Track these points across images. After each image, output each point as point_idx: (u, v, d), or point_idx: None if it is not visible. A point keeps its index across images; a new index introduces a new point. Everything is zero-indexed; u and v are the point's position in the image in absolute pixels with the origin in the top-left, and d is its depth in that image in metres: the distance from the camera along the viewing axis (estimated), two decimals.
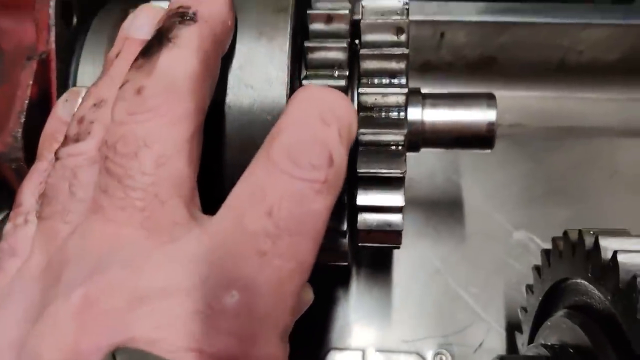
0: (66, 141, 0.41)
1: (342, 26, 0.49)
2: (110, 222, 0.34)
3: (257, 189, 0.35)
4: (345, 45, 0.48)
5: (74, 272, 0.33)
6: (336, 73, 0.49)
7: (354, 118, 0.41)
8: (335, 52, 0.48)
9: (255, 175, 0.36)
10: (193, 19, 0.39)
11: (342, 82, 0.47)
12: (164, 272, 0.32)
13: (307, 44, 0.48)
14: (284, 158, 0.35)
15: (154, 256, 0.32)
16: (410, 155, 0.79)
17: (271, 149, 0.36)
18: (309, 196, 0.34)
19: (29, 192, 0.43)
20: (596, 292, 0.47)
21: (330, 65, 0.49)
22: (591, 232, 0.48)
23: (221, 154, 0.46)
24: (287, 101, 0.45)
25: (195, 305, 0.30)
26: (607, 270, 0.44)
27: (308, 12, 0.49)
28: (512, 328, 0.69)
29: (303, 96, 0.39)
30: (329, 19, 0.49)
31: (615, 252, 0.43)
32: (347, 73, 0.48)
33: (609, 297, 0.45)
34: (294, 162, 0.35)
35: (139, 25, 0.45)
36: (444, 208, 0.78)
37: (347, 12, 0.49)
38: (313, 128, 0.37)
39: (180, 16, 0.39)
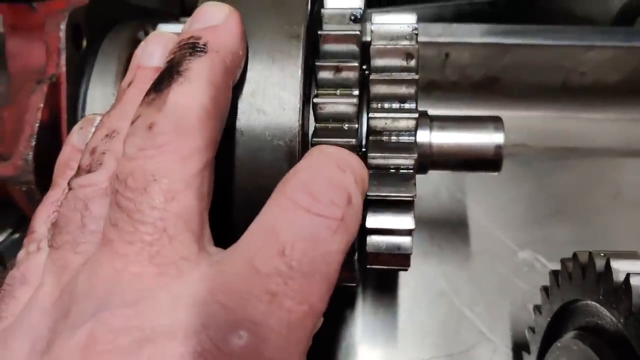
0: (79, 171, 0.41)
1: (351, 76, 0.49)
2: (119, 256, 0.34)
3: (271, 227, 0.35)
4: (355, 100, 0.48)
5: (81, 308, 0.33)
6: (346, 126, 0.49)
7: (366, 173, 0.42)
8: (344, 106, 0.48)
9: (270, 213, 0.36)
10: (204, 50, 0.39)
11: (353, 141, 0.47)
12: (170, 311, 0.32)
13: (315, 100, 0.48)
14: (303, 194, 0.35)
15: (161, 295, 0.32)
16: None
17: (288, 186, 0.36)
18: (325, 236, 0.34)
19: (41, 220, 0.43)
20: (607, 314, 0.48)
21: (340, 119, 0.48)
22: (602, 255, 0.49)
23: (232, 179, 0.46)
24: (299, 126, 0.45)
25: (201, 346, 0.30)
26: (619, 293, 0.45)
27: (316, 63, 0.49)
28: (519, 348, 0.69)
29: (317, 150, 0.41)
30: (337, 70, 0.49)
31: (627, 275, 0.44)
32: (357, 127, 0.48)
33: (621, 320, 0.45)
34: (313, 197, 0.35)
35: (150, 54, 0.46)
36: (448, 227, 0.78)
37: (356, 64, 0.49)
38: (330, 171, 0.38)
39: (191, 47, 0.39)
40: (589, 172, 0.81)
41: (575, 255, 0.53)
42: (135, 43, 0.56)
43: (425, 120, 0.59)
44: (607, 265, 0.46)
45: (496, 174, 0.60)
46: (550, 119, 0.85)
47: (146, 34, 0.60)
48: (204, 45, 0.40)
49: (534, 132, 0.84)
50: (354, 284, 0.58)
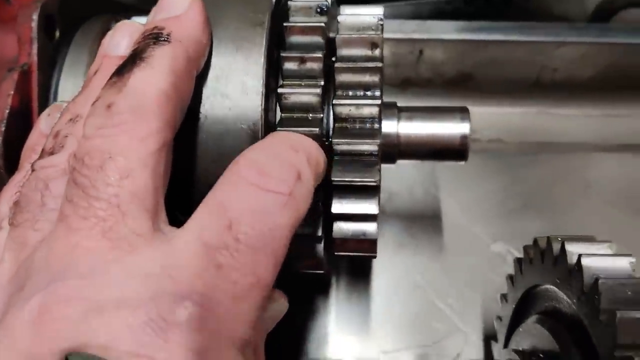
0: (42, 154, 0.42)
1: (315, 67, 0.50)
2: (73, 231, 0.35)
3: (220, 202, 0.36)
4: (318, 91, 0.49)
5: (35, 281, 0.34)
6: (310, 116, 0.50)
7: (322, 158, 0.44)
8: (308, 97, 0.49)
9: (220, 188, 0.37)
10: (167, 39, 0.40)
11: (316, 130, 0.48)
12: (120, 284, 0.33)
13: (280, 90, 0.49)
14: (252, 170, 0.37)
15: (112, 268, 0.33)
16: (390, 169, 0.81)
17: (239, 163, 0.38)
18: (273, 210, 0.36)
19: (5, 201, 0.44)
20: (564, 296, 0.48)
21: (304, 109, 0.49)
22: (559, 239, 0.50)
23: (196, 162, 0.47)
24: (261, 110, 0.46)
25: (148, 316, 0.31)
26: (572, 274, 0.46)
27: (281, 54, 0.50)
28: (490, 338, 0.70)
29: (274, 133, 0.43)
30: (302, 61, 0.51)
31: (579, 256, 0.45)
32: (321, 116, 0.49)
33: (574, 301, 0.46)
34: (262, 173, 0.36)
35: (116, 43, 0.47)
36: (423, 221, 0.79)
37: (320, 55, 0.50)
38: (282, 151, 0.39)
39: (155, 37, 0.41)
40: (562, 167, 0.83)
41: (535, 240, 0.54)
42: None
43: (393, 110, 0.61)
44: (562, 249, 0.47)
45: (463, 163, 0.61)
46: (523, 115, 0.86)
47: None
48: (168, 35, 0.41)
49: (507, 128, 0.85)
50: (322, 271, 0.59)
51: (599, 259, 0.44)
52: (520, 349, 0.54)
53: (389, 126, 0.60)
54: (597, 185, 0.81)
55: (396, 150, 0.60)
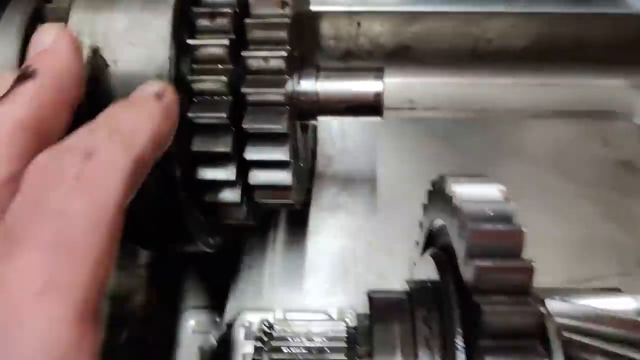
0: None
1: (225, 22, 0.55)
2: None
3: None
4: (226, 42, 0.54)
5: None
6: (220, 67, 0.55)
7: (141, 125, 0.44)
8: (216, 48, 0.54)
9: None
10: (32, 75, 0.43)
11: (223, 78, 0.53)
12: None
13: (190, 41, 0.54)
14: (36, 174, 0.39)
15: None
16: (331, 133, 0.85)
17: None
18: (64, 197, 0.37)
19: None
20: (449, 229, 0.52)
21: (214, 60, 0.55)
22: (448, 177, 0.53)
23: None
24: (168, 58, 0.51)
25: None
26: (448, 204, 0.49)
27: (193, 9, 0.55)
28: None
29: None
30: (212, 16, 0.55)
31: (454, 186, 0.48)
32: (231, 67, 0.54)
33: (451, 231, 0.49)
34: (42, 174, 0.38)
35: None
36: (360, 184, 0.83)
37: (228, 10, 0.55)
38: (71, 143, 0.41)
39: (22, 74, 0.44)
40: (495, 133, 0.87)
41: (433, 183, 0.57)
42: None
43: (312, 70, 0.65)
44: (445, 183, 0.51)
45: (380, 118, 0.65)
46: (460, 85, 0.90)
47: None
48: (33, 71, 0.44)
49: (445, 97, 0.89)
50: (242, 219, 0.62)
51: (470, 187, 0.48)
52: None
53: (308, 85, 0.64)
54: (528, 150, 0.85)
55: (315, 107, 0.65)
